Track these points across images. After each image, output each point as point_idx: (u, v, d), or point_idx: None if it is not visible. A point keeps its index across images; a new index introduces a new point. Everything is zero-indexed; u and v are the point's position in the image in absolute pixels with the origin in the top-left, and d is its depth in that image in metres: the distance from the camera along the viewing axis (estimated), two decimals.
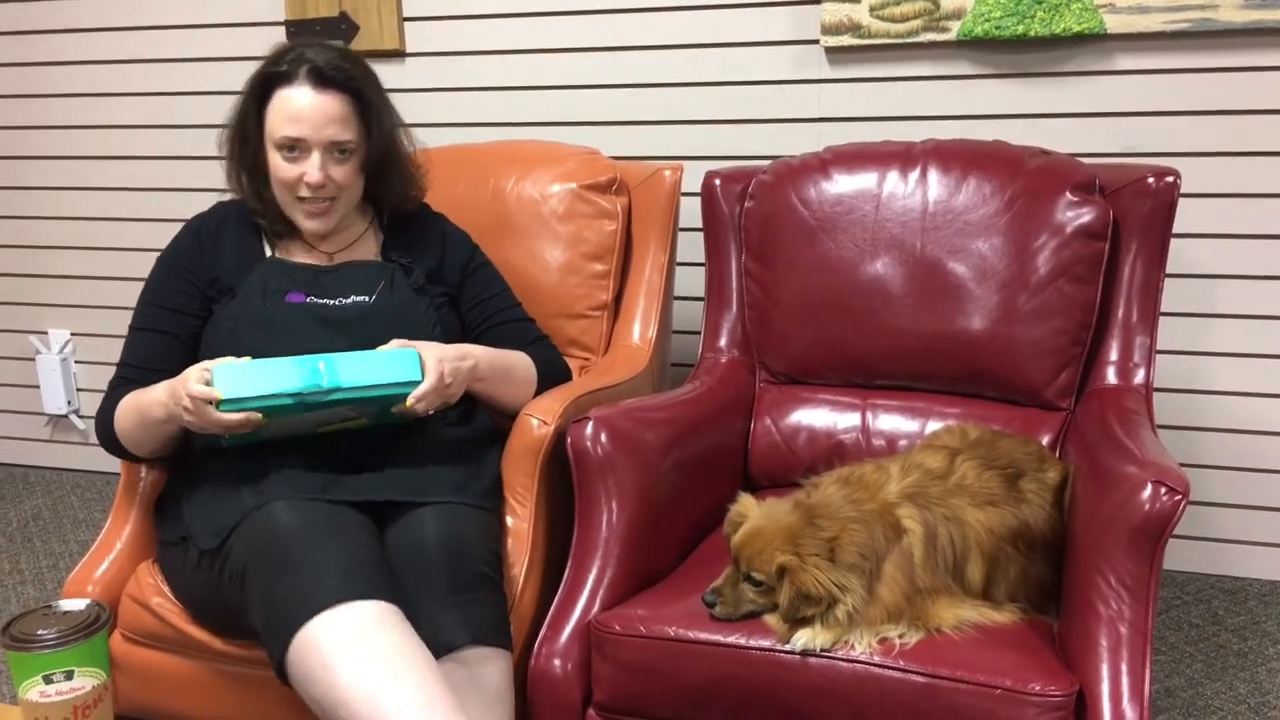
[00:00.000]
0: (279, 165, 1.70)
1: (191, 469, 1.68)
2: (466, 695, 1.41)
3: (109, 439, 1.73)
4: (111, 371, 3.11)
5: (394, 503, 1.59)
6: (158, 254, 1.81)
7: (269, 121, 1.69)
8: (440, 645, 1.46)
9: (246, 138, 1.74)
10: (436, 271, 1.85)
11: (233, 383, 1.49)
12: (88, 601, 1.15)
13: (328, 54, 1.70)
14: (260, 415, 1.51)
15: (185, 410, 1.53)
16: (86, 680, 1.10)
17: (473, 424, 1.78)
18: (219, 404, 1.50)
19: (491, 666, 1.50)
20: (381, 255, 1.83)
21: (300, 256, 1.80)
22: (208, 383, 1.52)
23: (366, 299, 1.75)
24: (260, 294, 1.71)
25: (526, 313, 1.95)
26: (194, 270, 1.75)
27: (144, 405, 1.64)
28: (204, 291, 1.74)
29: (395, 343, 1.64)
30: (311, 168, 1.68)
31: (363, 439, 1.67)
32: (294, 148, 1.68)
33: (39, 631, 1.10)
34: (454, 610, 1.49)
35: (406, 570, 1.52)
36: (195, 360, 1.65)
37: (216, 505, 1.58)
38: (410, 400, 1.58)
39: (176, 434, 1.65)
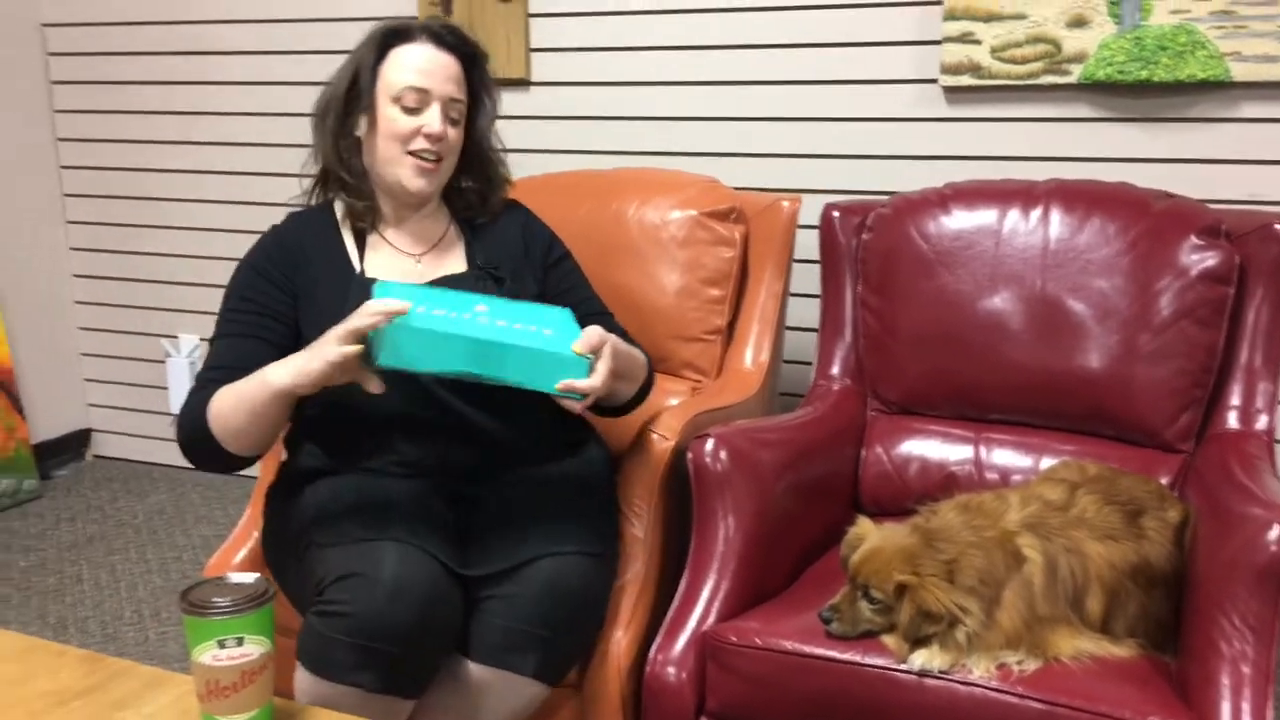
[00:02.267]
0: (394, 119, 1.67)
1: (309, 469, 1.68)
2: (477, 698, 1.56)
3: (197, 436, 1.58)
4: None
5: None
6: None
7: (386, 75, 1.68)
8: (498, 658, 1.56)
9: (358, 93, 1.68)
10: (519, 271, 1.80)
11: (399, 346, 1.40)
12: (256, 576, 1.23)
13: (443, 24, 1.74)
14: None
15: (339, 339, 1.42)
16: (255, 647, 1.18)
17: (584, 453, 1.78)
18: (376, 362, 1.41)
19: (528, 692, 1.59)
20: (467, 259, 1.79)
21: (387, 261, 1.74)
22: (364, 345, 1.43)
23: None
24: None
25: (605, 304, 1.90)
26: (282, 277, 1.69)
27: (250, 382, 1.53)
28: (289, 301, 1.68)
29: (580, 339, 1.53)
30: (433, 118, 1.67)
31: (483, 494, 1.67)
32: (415, 101, 1.66)
33: (214, 599, 1.18)
34: (533, 641, 1.56)
35: (502, 597, 1.58)
36: None
37: (338, 513, 1.59)
38: (580, 403, 1.52)
39: (282, 418, 1.56)
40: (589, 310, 1.82)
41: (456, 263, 1.79)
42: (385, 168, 1.71)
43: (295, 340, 1.64)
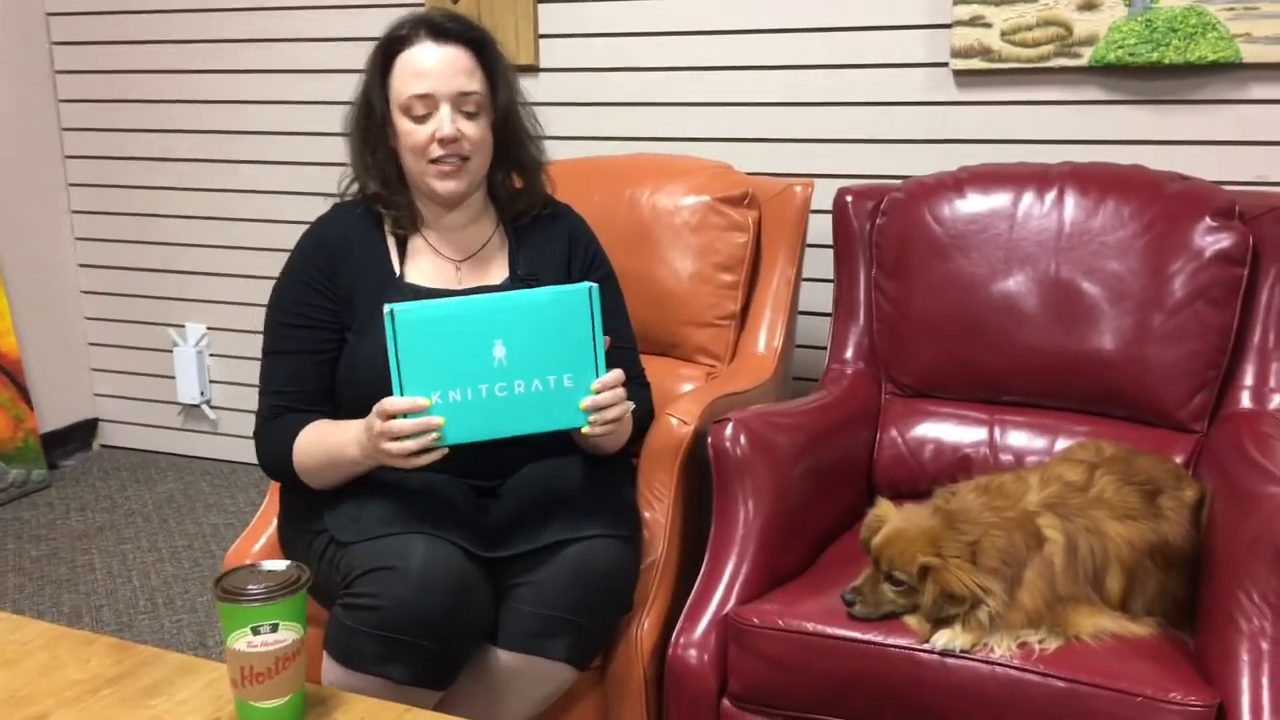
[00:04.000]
0: (409, 131, 1.66)
1: None
2: (506, 684, 1.58)
3: (283, 471, 1.69)
4: (243, 365, 3.35)
5: None
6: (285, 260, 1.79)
7: (394, 87, 1.67)
8: (528, 644, 1.56)
9: (372, 110, 1.70)
10: (563, 281, 1.77)
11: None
12: (289, 563, 1.24)
13: (443, 13, 1.71)
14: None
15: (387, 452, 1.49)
16: (288, 634, 1.19)
17: (605, 462, 1.76)
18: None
19: (559, 676, 1.60)
20: (509, 266, 1.78)
21: (428, 266, 1.74)
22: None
23: None
24: None
25: (634, 336, 1.87)
26: (326, 285, 1.71)
27: (331, 446, 1.61)
28: (339, 308, 1.71)
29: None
30: (442, 122, 1.63)
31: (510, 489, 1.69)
32: (423, 108, 1.64)
33: (249, 587, 1.19)
34: (564, 625, 1.56)
35: (530, 583, 1.58)
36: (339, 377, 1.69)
37: (359, 509, 1.60)
38: (589, 424, 1.52)
39: (363, 473, 1.62)
40: (615, 343, 1.76)
41: (498, 271, 1.78)
42: (416, 178, 1.71)
43: (341, 343, 1.70)
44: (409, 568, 1.48)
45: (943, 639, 1.45)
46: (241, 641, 1.18)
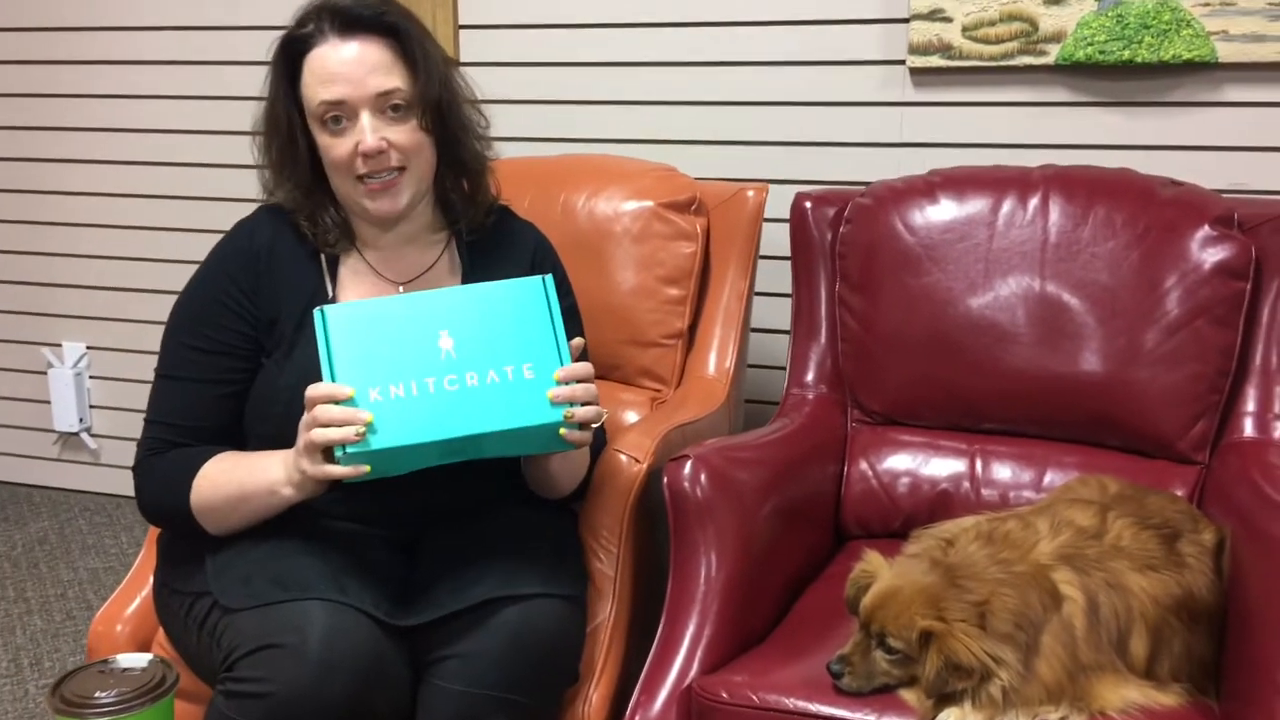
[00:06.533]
0: (328, 145, 1.43)
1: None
2: None
3: (172, 511, 1.43)
4: (128, 389, 3.02)
5: None
6: (191, 269, 1.53)
7: (305, 95, 1.43)
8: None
9: (280, 122, 1.46)
10: None
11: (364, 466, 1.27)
12: (150, 658, 0.98)
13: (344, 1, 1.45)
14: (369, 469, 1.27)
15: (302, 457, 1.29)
16: None
17: (544, 507, 1.56)
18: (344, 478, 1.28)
19: None
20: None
21: (365, 289, 1.51)
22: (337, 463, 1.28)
23: None
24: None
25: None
26: (243, 304, 1.47)
27: (247, 473, 1.39)
28: (257, 333, 1.47)
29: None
30: (364, 133, 1.40)
31: (440, 534, 1.46)
32: (338, 117, 1.41)
33: (96, 694, 0.92)
34: (499, 706, 1.34)
35: (457, 655, 1.34)
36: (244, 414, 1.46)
37: (248, 567, 1.36)
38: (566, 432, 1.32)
39: (277, 510, 1.39)
40: None
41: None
42: (345, 197, 1.48)
43: (253, 374, 1.47)
44: (306, 645, 1.23)
45: (950, 718, 1.24)
46: None
